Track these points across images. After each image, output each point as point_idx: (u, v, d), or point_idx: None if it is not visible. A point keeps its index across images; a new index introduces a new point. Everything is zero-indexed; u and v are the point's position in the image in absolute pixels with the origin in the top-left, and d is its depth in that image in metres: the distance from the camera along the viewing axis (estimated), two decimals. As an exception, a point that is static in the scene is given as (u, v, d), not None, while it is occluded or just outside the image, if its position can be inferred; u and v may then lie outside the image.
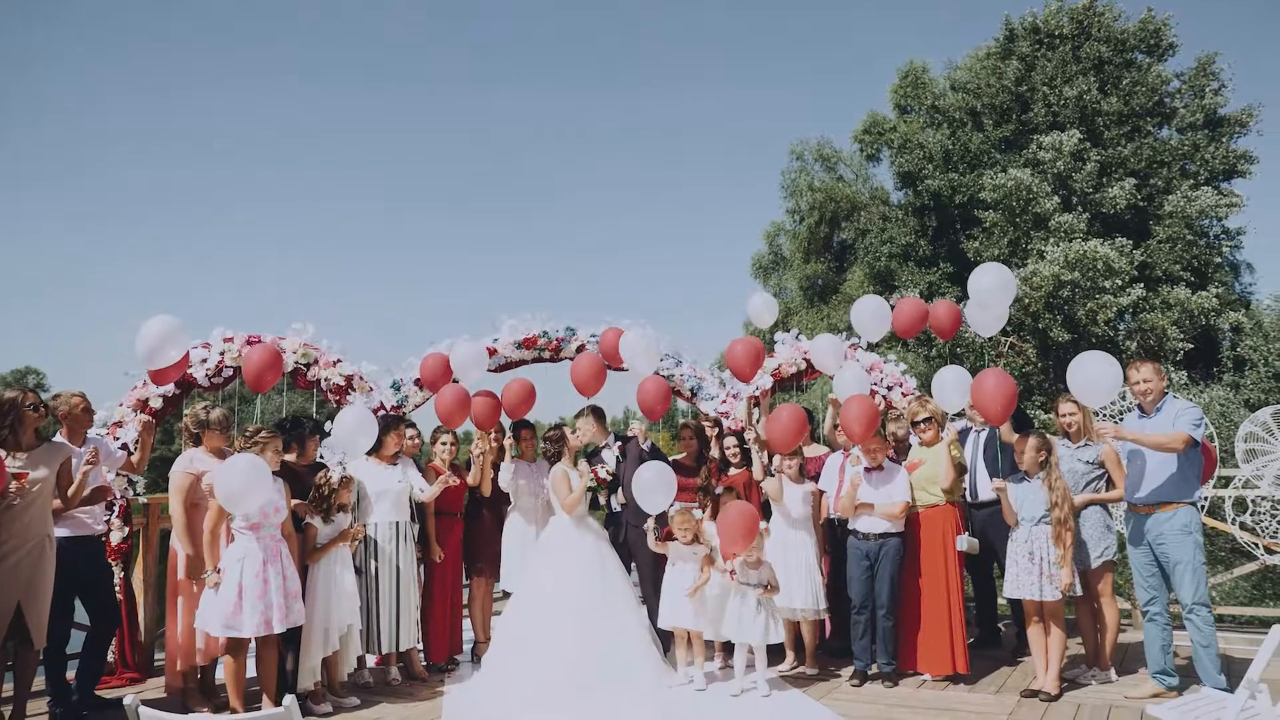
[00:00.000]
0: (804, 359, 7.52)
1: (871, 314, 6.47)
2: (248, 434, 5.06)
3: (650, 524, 5.78)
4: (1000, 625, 6.82)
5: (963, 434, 6.48)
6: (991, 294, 5.90)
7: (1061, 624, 5.19)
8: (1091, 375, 4.95)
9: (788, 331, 8.02)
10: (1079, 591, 5.23)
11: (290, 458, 5.55)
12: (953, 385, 5.63)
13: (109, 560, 5.77)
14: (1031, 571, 5.10)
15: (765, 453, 6.22)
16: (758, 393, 7.42)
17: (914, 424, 6.06)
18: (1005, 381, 5.29)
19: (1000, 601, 6.44)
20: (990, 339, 17.38)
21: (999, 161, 20.10)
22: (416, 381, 7.16)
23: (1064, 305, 17.13)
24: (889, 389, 7.36)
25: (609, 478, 6.27)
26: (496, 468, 6.42)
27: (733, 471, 6.35)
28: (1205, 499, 8.05)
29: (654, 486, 5.38)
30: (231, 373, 6.67)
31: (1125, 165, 19.34)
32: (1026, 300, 17.18)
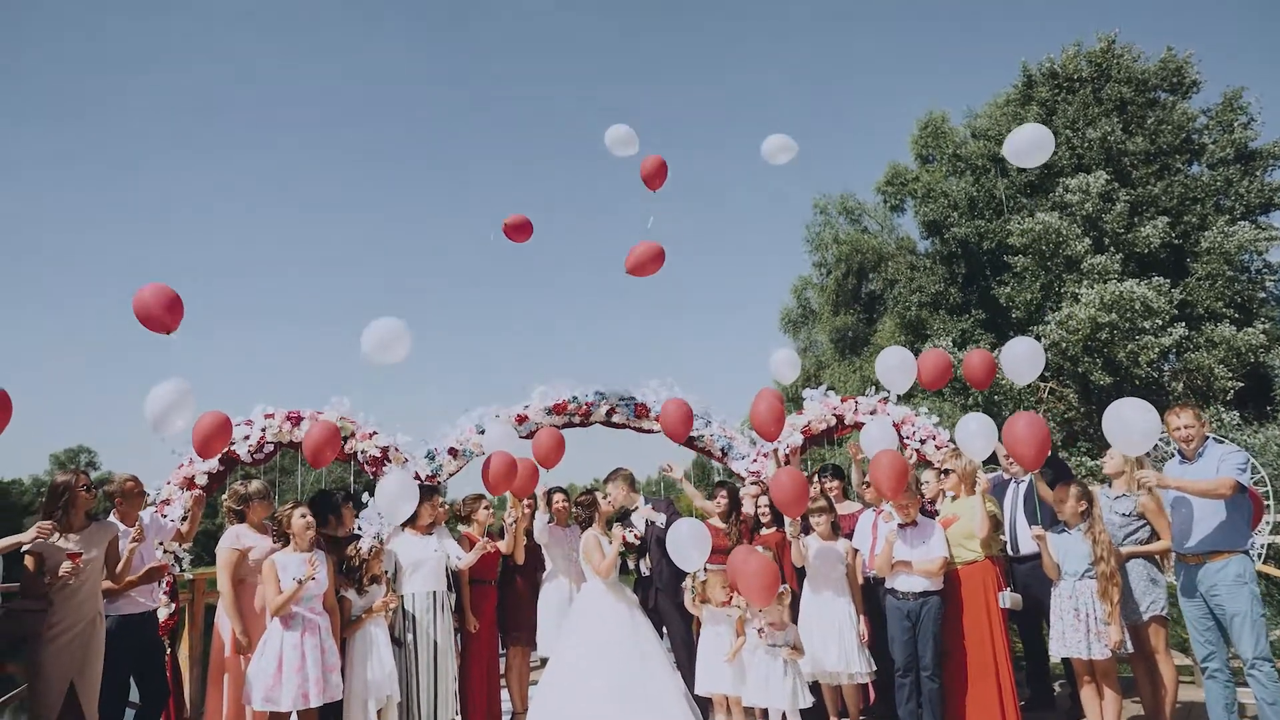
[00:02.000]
0: (833, 414, 7.50)
1: (897, 366, 6.46)
2: (274, 516, 5.17)
3: (688, 582, 5.75)
4: (1055, 685, 6.60)
5: (1000, 486, 6.39)
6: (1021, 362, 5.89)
7: (1115, 683, 5.01)
8: (1128, 422, 4.84)
9: (818, 386, 8.01)
10: (1130, 649, 5.05)
11: (328, 530, 5.63)
12: (979, 433, 5.52)
13: (160, 636, 5.87)
14: (1078, 628, 4.96)
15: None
16: (787, 450, 7.39)
17: (944, 474, 6.00)
18: (1037, 424, 5.13)
19: (1054, 660, 6.24)
20: (1028, 386, 17.11)
21: (1025, 206, 20.04)
22: (450, 451, 7.28)
23: (1103, 348, 16.84)
24: (921, 442, 7.29)
25: (638, 541, 6.26)
26: (529, 534, 6.46)
27: (765, 531, 6.31)
28: (1261, 546, 7.77)
29: (688, 544, 5.32)
30: (273, 448, 6.85)
31: (1156, 204, 19.16)
32: (1064, 344, 16.93)
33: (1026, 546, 5.97)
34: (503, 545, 6.22)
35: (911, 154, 22.67)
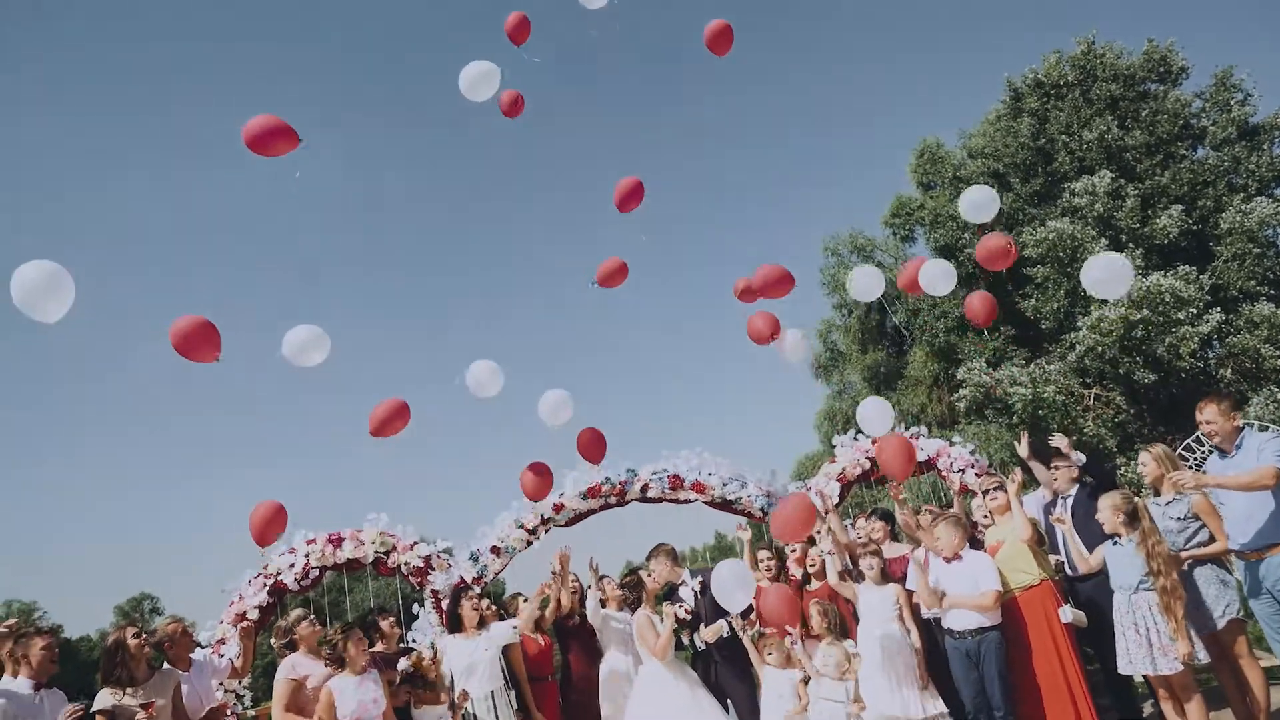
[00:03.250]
0: (867, 458, 7.45)
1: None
2: (324, 639, 5.23)
3: (738, 622, 5.69)
4: (1143, 706, 6.31)
5: (1049, 505, 6.26)
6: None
7: (1194, 695, 4.80)
8: (1100, 271, 5.50)
9: (855, 429, 7.96)
10: (1202, 659, 4.83)
11: (378, 648, 5.68)
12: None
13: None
14: (1140, 644, 4.78)
15: (843, 556, 6.11)
16: (823, 500, 7.33)
17: (985, 495, 5.92)
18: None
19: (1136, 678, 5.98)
20: (1073, 395, 16.76)
21: (1035, 216, 19.97)
22: (493, 550, 7.34)
23: (1141, 345, 16.49)
24: (960, 471, 7.19)
25: (689, 616, 6.21)
26: (584, 618, 6.46)
27: (814, 585, 6.23)
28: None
29: (731, 584, 5.24)
30: (319, 572, 6.97)
31: (1167, 193, 18.97)
32: (1099, 348, 16.61)
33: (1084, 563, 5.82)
34: (552, 605, 6.25)
35: (913, 183, 22.83)
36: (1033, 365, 17.47)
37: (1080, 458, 6.22)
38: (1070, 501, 6.06)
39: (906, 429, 7.38)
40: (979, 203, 6.82)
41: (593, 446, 7.20)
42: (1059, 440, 6.36)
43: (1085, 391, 17.08)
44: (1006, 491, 5.67)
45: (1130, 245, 18.01)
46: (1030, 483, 6.71)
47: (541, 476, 6.79)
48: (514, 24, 7.58)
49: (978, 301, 6.80)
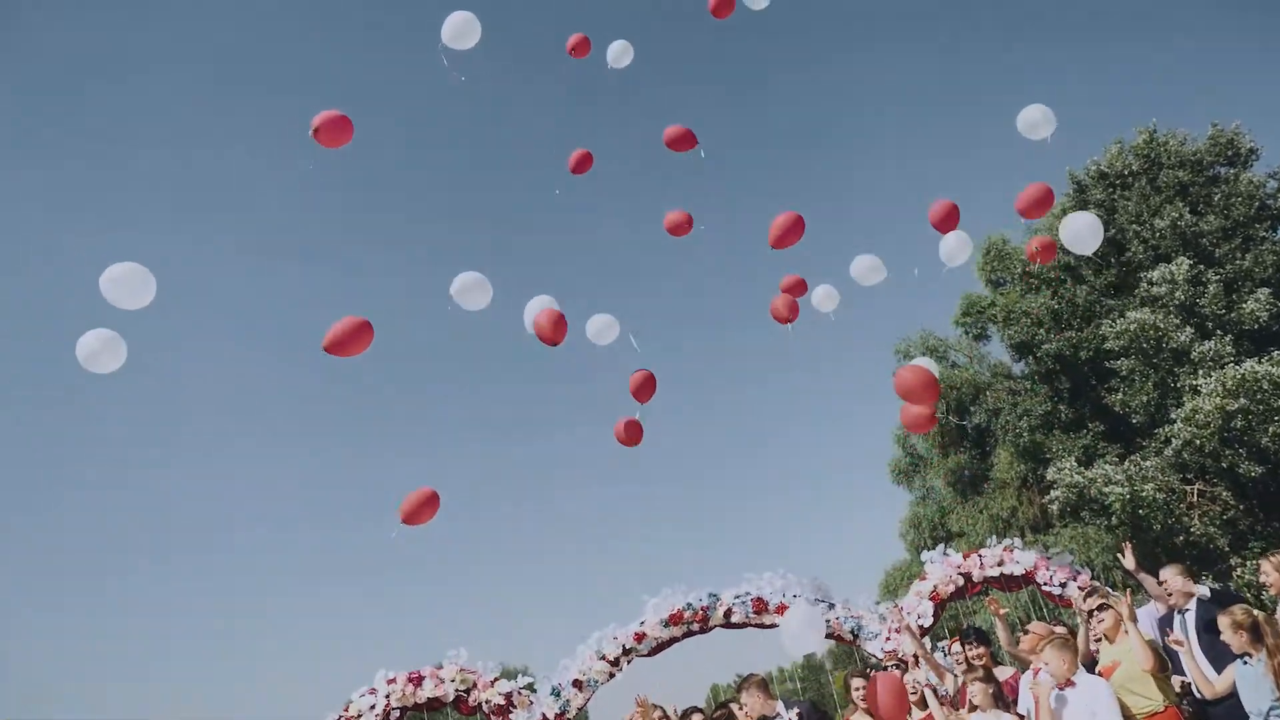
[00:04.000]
0: (959, 574, 7.12)
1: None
2: None
3: None
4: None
5: (1164, 619, 5.83)
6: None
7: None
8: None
9: (942, 540, 7.66)
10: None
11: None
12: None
13: None
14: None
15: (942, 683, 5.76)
16: (918, 622, 6.98)
17: (1089, 616, 5.54)
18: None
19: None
20: (1174, 492, 15.81)
21: (1114, 307, 19.48)
22: (575, 683, 7.17)
23: (1242, 436, 15.59)
24: (1062, 585, 6.79)
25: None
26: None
27: (918, 715, 5.85)
28: None
29: (800, 629, 5.28)
30: (400, 713, 6.89)
31: (1251, 277, 18.33)
32: (1198, 441, 15.74)
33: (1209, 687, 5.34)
34: None
35: (981, 280, 22.63)
36: (1127, 462, 16.64)
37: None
38: (1190, 617, 5.62)
39: (997, 537, 7.06)
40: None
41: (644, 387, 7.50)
42: (1128, 560, 6.05)
43: (1187, 488, 16.12)
44: (1116, 610, 5.31)
45: (1218, 332, 17.33)
46: (1139, 591, 6.30)
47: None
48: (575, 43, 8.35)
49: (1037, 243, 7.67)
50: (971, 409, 21.82)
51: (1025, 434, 19.55)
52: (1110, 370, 18.68)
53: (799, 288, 8.18)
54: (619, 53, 8.35)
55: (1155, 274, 18.36)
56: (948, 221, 7.67)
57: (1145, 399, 17.64)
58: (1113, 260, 20.30)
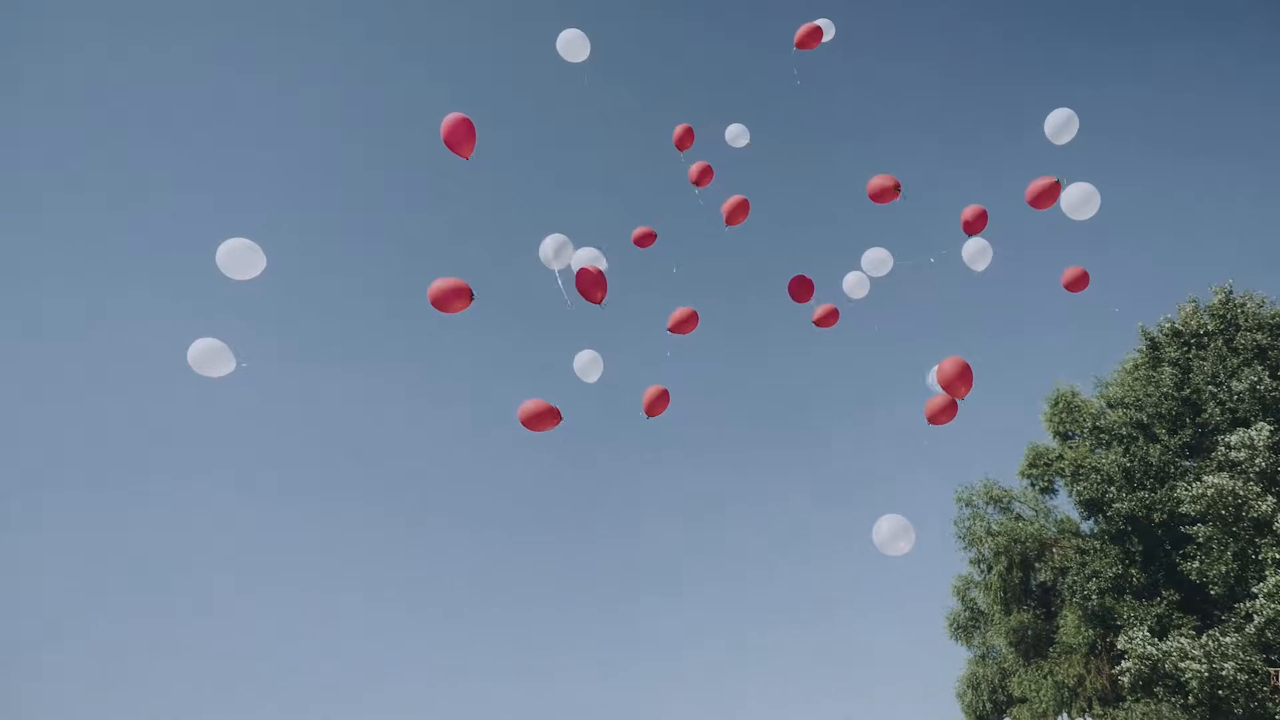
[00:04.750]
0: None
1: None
2: None
3: None
4: None
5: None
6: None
7: None
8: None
9: (994, 711, 7.31)
10: None
11: None
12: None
13: None
14: None
15: None
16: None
17: None
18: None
19: None
20: (1256, 674, 14.65)
21: (1189, 470, 18.71)
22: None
23: (1334, 613, 14.51)
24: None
25: None
26: None
27: None
28: None
29: (892, 535, 5.67)
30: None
31: (1337, 447, 17.52)
32: (1284, 619, 14.70)
33: None
34: None
35: (1049, 432, 22.10)
36: (1205, 636, 15.56)
37: None
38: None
39: (1063, 709, 6.73)
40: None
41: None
42: None
43: (1272, 670, 14.92)
44: None
45: (1303, 503, 16.44)
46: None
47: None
48: (680, 134, 9.05)
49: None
50: (1037, 565, 20.87)
51: (1094, 597, 18.52)
52: (1186, 536, 17.79)
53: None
54: (736, 134, 9.21)
55: (1234, 438, 17.69)
56: (976, 225, 8.03)
57: (1224, 569, 16.65)
58: (1188, 420, 19.66)
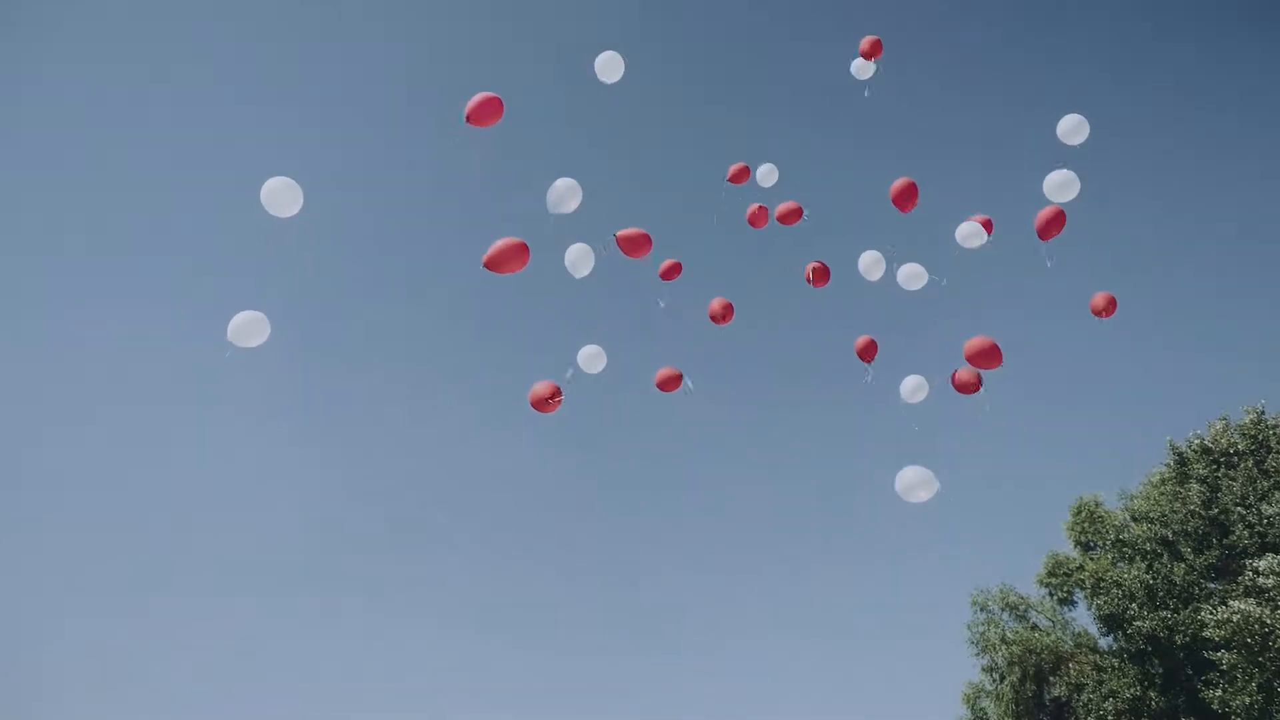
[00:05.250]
0: None
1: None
2: None
3: None
4: None
5: None
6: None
7: None
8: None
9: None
10: None
11: None
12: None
13: None
14: None
15: None
16: None
17: None
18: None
19: None
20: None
21: (1214, 592, 18.13)
22: None
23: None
24: None
25: None
26: None
27: None
28: None
29: (914, 483, 5.79)
30: None
31: (1370, 581, 16.91)
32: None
33: None
34: None
35: (1069, 541, 21.60)
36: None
37: None
38: None
39: None
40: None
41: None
42: None
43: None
44: None
45: (1336, 639, 15.80)
46: None
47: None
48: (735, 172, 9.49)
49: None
50: (1051, 679, 20.12)
51: (1110, 717, 17.79)
52: (1209, 661, 17.12)
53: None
54: (766, 174, 9.56)
55: (1263, 564, 17.17)
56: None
57: (1248, 700, 15.97)
58: (1215, 541, 19.14)
